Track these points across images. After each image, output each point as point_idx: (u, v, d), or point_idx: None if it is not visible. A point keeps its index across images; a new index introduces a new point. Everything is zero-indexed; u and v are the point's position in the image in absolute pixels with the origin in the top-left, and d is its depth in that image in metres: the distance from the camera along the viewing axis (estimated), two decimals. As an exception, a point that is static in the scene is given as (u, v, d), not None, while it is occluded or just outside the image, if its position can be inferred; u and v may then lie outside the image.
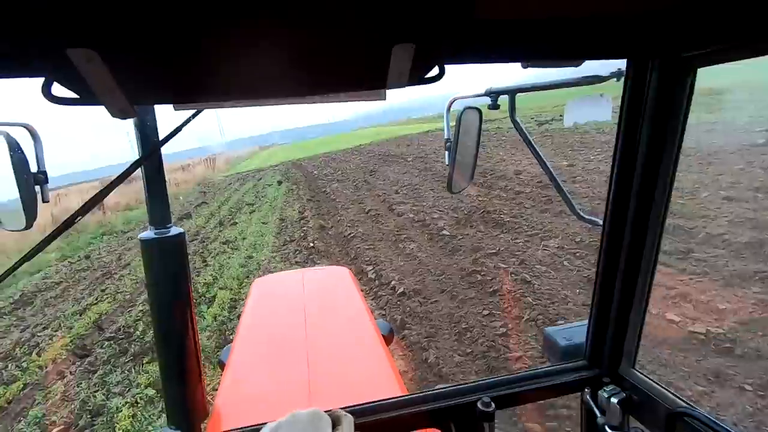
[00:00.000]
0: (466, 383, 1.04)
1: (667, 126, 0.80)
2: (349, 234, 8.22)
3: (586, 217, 1.24)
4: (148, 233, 1.09)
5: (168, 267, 1.10)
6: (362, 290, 2.41)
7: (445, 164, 1.38)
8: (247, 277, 6.71)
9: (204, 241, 9.85)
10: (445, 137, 1.31)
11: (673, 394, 0.89)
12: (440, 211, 8.58)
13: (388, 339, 2.15)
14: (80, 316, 6.40)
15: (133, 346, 4.99)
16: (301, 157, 30.07)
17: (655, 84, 0.79)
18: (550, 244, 5.64)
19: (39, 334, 6.00)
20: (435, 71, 0.56)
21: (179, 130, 0.77)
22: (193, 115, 0.74)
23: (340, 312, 2.23)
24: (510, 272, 5.03)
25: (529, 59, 0.69)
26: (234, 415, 1.48)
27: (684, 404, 0.85)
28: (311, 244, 7.91)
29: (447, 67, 0.57)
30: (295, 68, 0.50)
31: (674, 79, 0.77)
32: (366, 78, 0.54)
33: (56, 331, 5.98)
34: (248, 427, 0.98)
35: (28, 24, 0.37)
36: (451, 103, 1.34)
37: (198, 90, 0.53)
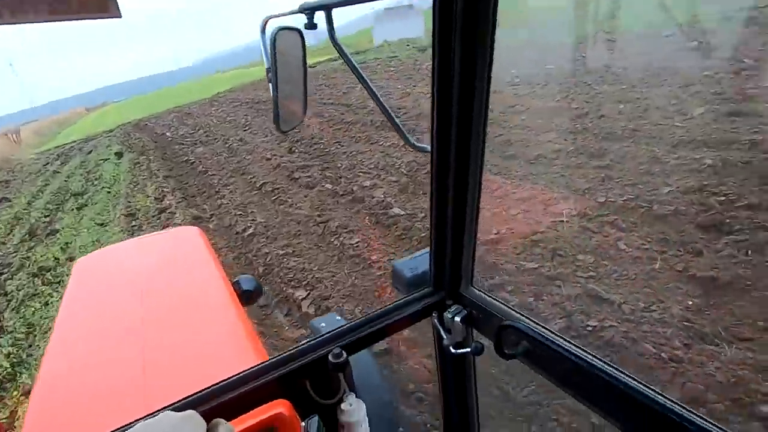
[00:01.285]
0: (316, 338, 0.98)
1: (476, 40, 0.75)
2: (244, 229, 5.55)
3: (419, 145, 1.20)
4: None
5: None
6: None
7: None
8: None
9: (0, 273, 6.19)
10: (266, 66, 1.09)
11: (505, 306, 0.95)
12: (367, 173, 6.31)
13: (254, 295, 2.03)
14: None
15: None
16: (144, 117, 23.95)
17: None
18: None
19: None
20: None
21: None
22: None
23: (186, 280, 1.91)
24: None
25: None
26: None
27: (512, 314, 0.91)
28: (188, 257, 5.10)
29: None
30: None
31: None
32: None
33: None
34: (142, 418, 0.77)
35: None
36: (265, 24, 1.12)
37: None
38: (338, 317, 1.52)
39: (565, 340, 0.79)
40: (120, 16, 0.55)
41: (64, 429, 1.24)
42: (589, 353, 0.75)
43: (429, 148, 0.97)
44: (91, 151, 16.45)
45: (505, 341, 0.90)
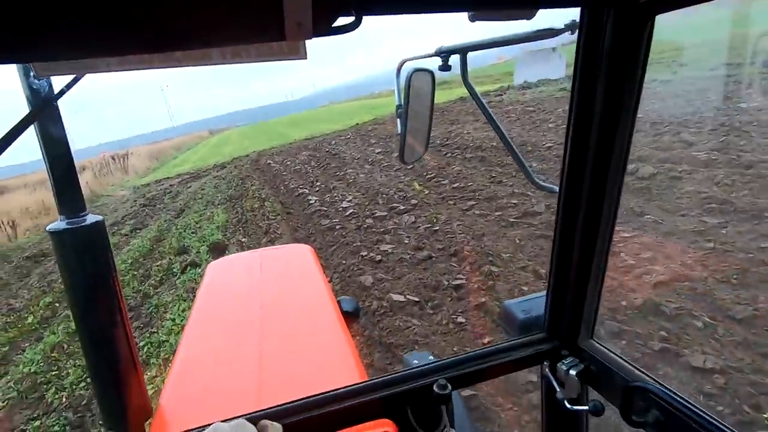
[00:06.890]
0: (421, 366, 0.98)
1: (624, 81, 0.73)
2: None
3: (544, 184, 1.18)
4: (59, 224, 0.99)
5: (86, 260, 1.00)
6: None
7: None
8: None
9: None
10: (397, 103, 1.21)
11: (630, 364, 0.88)
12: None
13: (353, 316, 2.29)
14: None
15: None
16: (266, 148, 19.68)
17: (611, 34, 0.72)
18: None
19: None
20: (350, 19, 0.48)
21: (69, 88, 0.78)
22: (74, 80, 0.71)
23: (298, 293, 2.09)
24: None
25: (472, 7, 0.62)
26: (180, 414, 1.35)
27: (641, 376, 0.85)
28: None
29: (380, 18, 0.54)
30: (167, 14, 0.40)
31: (631, 28, 0.71)
32: (258, 26, 0.44)
33: None
34: (194, 429, 0.87)
35: None
36: (401, 65, 1.26)
37: (43, 47, 0.39)
38: (431, 356, 1.54)
39: (708, 414, 0.68)
40: (306, 58, 0.57)
41: (192, 408, 1.33)
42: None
43: (555, 188, 0.92)
44: (188, 201, 11.80)
45: (634, 405, 0.82)
